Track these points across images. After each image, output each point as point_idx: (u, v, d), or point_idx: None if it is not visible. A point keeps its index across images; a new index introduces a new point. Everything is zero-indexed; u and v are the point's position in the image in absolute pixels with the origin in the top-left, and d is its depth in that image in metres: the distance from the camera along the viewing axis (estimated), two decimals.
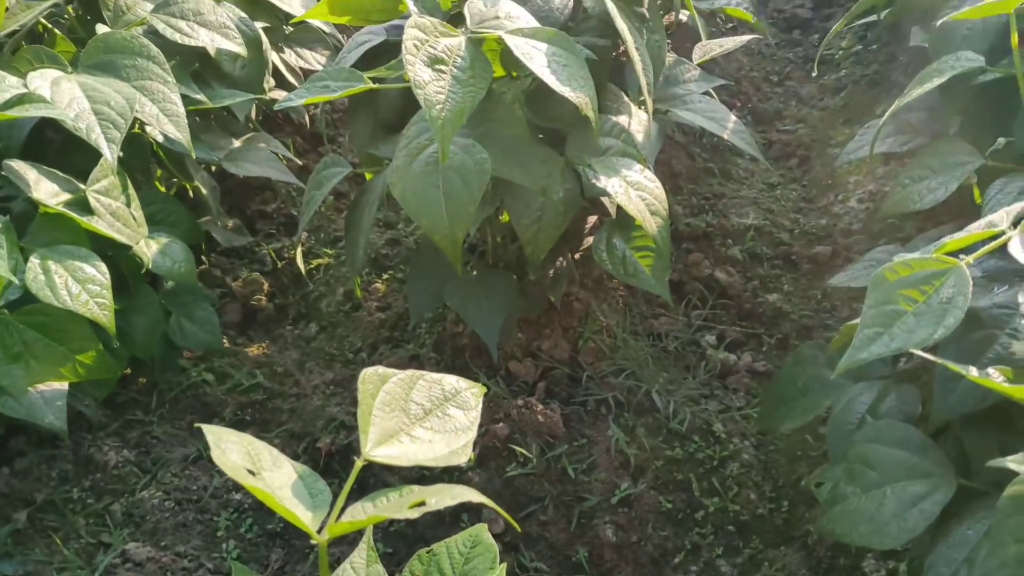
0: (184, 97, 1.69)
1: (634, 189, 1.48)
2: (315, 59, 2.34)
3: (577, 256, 1.77)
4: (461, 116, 1.34)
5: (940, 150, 1.36)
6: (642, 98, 1.76)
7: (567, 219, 1.51)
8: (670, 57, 1.83)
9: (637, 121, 1.72)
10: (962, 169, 1.30)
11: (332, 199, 2.34)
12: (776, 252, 2.02)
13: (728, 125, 1.74)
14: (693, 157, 2.23)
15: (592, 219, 1.76)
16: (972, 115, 1.40)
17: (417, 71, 1.34)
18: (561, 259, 1.72)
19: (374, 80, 1.53)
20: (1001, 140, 1.27)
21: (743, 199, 2.17)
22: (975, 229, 1.02)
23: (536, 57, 1.36)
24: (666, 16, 2.21)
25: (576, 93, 1.37)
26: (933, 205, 1.29)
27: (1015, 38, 1.26)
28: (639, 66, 1.47)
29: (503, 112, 1.47)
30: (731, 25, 2.77)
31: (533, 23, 1.48)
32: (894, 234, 1.89)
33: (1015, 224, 0.97)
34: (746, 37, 1.91)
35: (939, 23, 1.33)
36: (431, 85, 1.34)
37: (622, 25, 1.46)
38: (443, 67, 1.37)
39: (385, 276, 2.14)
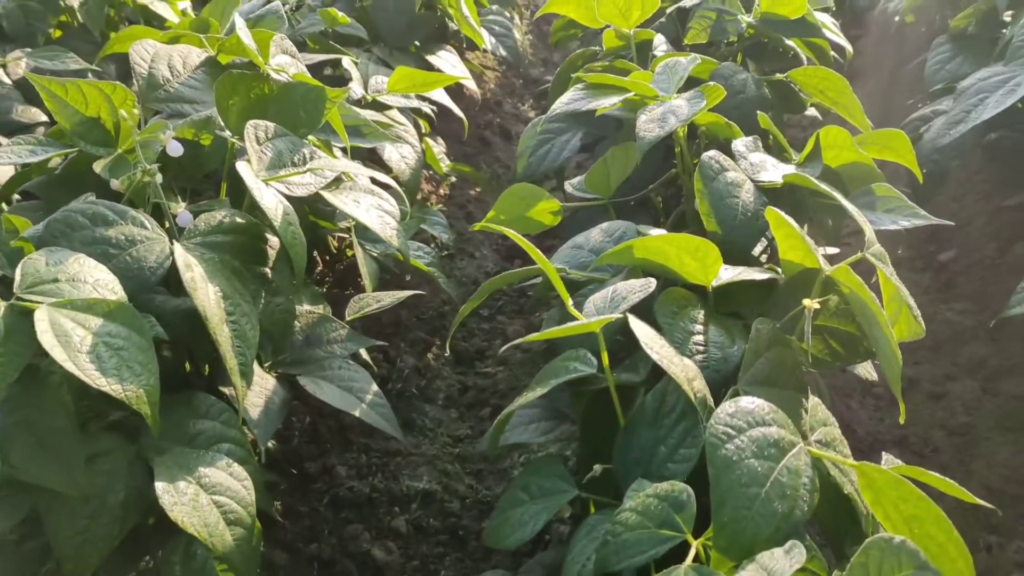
0: None
1: (208, 493, 1.23)
2: None
3: None
4: None
5: (538, 471, 1.21)
6: (268, 363, 1.56)
7: (128, 526, 1.24)
8: (314, 315, 1.65)
9: (261, 389, 1.51)
10: (555, 500, 1.14)
11: None
12: (444, 525, 1.82)
13: (366, 398, 1.56)
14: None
15: None
16: (588, 423, 1.27)
17: None
18: (148, 558, 1.43)
19: None
20: (598, 468, 1.13)
21: (421, 457, 1.97)
22: None
23: (73, 340, 1.13)
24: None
25: (124, 386, 1.13)
26: (520, 544, 1.13)
27: (605, 358, 1.15)
28: (223, 347, 1.26)
29: (47, 397, 1.21)
30: (447, 253, 2.69)
31: (111, 287, 1.25)
32: None
33: None
34: (407, 293, 1.77)
35: (510, 346, 1.21)
36: None
37: (204, 300, 1.26)
38: None
39: None
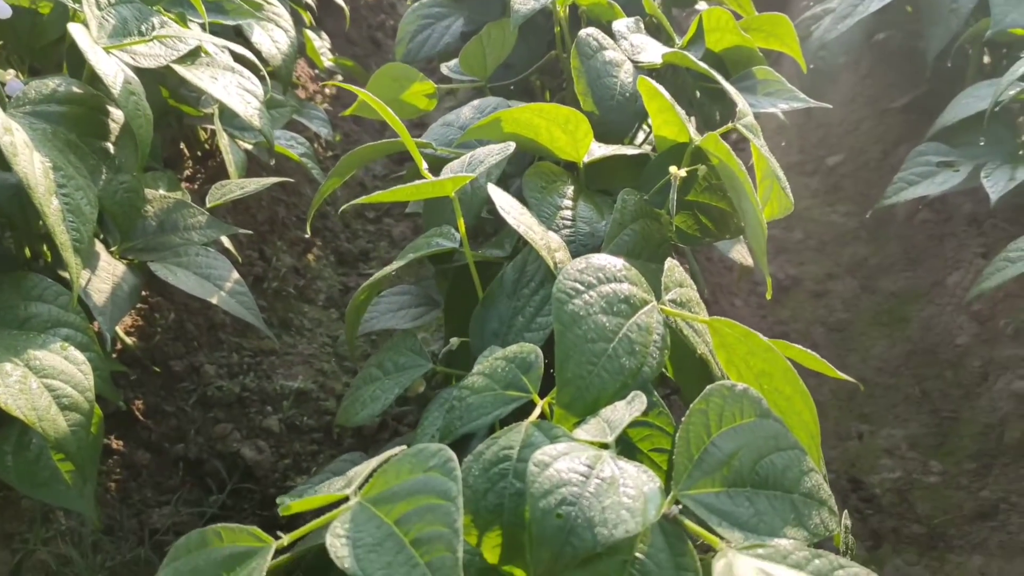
0: None
1: (39, 377, 1.14)
2: None
3: None
4: None
5: (394, 347, 1.15)
6: (112, 248, 1.45)
7: None
8: (170, 200, 1.54)
9: (108, 275, 1.41)
10: (408, 374, 1.09)
11: None
12: (319, 423, 1.76)
13: (225, 286, 1.47)
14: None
15: None
16: (452, 300, 1.22)
17: None
18: None
19: None
20: (455, 340, 1.09)
21: (297, 356, 1.90)
22: (332, 487, 0.79)
23: None
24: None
25: None
26: (370, 420, 1.08)
27: (462, 226, 1.10)
28: (51, 219, 1.16)
29: None
30: (332, 154, 2.57)
31: None
32: None
33: (361, 486, 0.74)
34: (273, 179, 1.67)
35: (349, 205, 1.14)
36: None
37: (27, 167, 1.14)
38: None
39: None
